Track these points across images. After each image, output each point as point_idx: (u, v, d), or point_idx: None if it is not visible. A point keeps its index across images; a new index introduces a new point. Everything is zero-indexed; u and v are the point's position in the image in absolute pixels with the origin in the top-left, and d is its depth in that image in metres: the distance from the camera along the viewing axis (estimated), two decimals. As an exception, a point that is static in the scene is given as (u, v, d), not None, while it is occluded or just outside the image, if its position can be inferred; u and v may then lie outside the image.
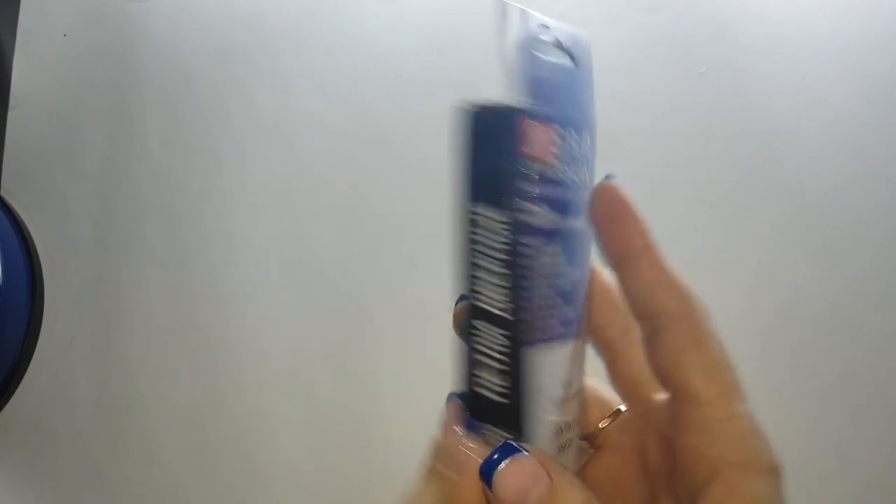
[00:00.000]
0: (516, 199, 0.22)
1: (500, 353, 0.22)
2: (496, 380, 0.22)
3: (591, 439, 0.24)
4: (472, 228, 0.24)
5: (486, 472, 0.20)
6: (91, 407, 0.43)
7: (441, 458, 0.22)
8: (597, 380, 0.25)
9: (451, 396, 0.23)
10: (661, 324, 0.22)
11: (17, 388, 0.43)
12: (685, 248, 0.43)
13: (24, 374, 0.43)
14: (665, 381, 0.21)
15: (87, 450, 0.43)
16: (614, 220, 0.24)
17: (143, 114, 0.48)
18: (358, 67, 0.48)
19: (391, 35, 0.48)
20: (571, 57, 0.25)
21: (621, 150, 0.45)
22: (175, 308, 0.45)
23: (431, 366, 0.39)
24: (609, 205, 0.24)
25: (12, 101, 0.48)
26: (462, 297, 0.24)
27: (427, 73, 0.48)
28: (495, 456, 0.20)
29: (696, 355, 0.21)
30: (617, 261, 0.24)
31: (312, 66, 0.48)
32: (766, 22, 0.47)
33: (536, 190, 0.23)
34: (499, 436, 0.22)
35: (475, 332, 0.22)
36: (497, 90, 0.50)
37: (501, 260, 0.23)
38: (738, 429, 0.19)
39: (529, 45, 0.24)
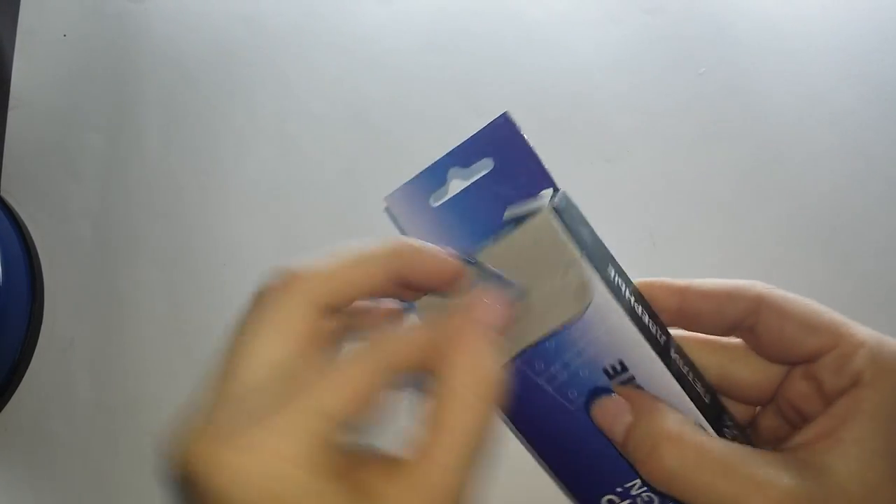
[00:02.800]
0: None
1: None
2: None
3: None
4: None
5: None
6: (91, 407, 0.43)
7: None
8: None
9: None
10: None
11: (17, 388, 0.43)
12: (685, 248, 0.43)
13: (24, 374, 0.43)
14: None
15: (87, 450, 0.43)
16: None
17: (143, 114, 0.48)
18: (358, 67, 0.48)
19: (391, 35, 0.48)
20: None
21: (621, 150, 0.46)
22: (175, 308, 0.45)
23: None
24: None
25: (12, 101, 0.48)
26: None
27: (427, 73, 0.48)
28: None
29: None
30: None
31: (312, 66, 0.48)
32: (766, 22, 0.47)
33: None
34: None
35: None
36: (496, 91, 0.49)
37: None
38: None
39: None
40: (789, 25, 0.47)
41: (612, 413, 0.24)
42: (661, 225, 0.44)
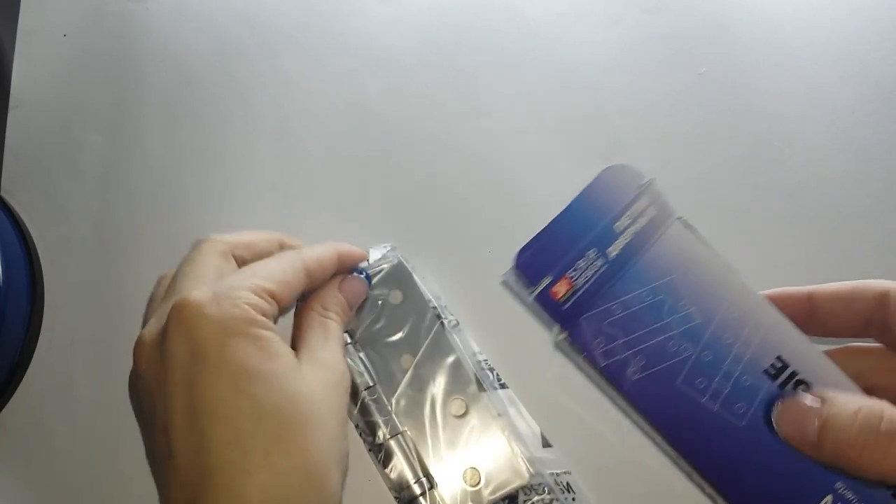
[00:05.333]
0: None
1: None
2: None
3: None
4: None
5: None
6: (91, 407, 0.43)
7: None
8: None
9: None
10: None
11: (17, 388, 0.43)
12: (685, 248, 0.43)
13: (24, 374, 0.43)
14: None
15: (87, 450, 0.43)
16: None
17: (142, 114, 0.48)
18: (358, 67, 0.48)
19: (391, 35, 0.48)
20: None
21: (621, 150, 0.46)
22: (175, 308, 0.45)
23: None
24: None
25: (12, 102, 0.48)
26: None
27: (427, 72, 0.48)
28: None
29: None
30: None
31: (312, 66, 0.48)
32: (766, 22, 0.47)
33: None
34: None
35: None
36: (496, 90, 0.50)
37: None
38: None
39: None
40: (789, 25, 0.47)
41: (799, 416, 0.22)
42: (661, 225, 0.44)
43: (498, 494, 0.37)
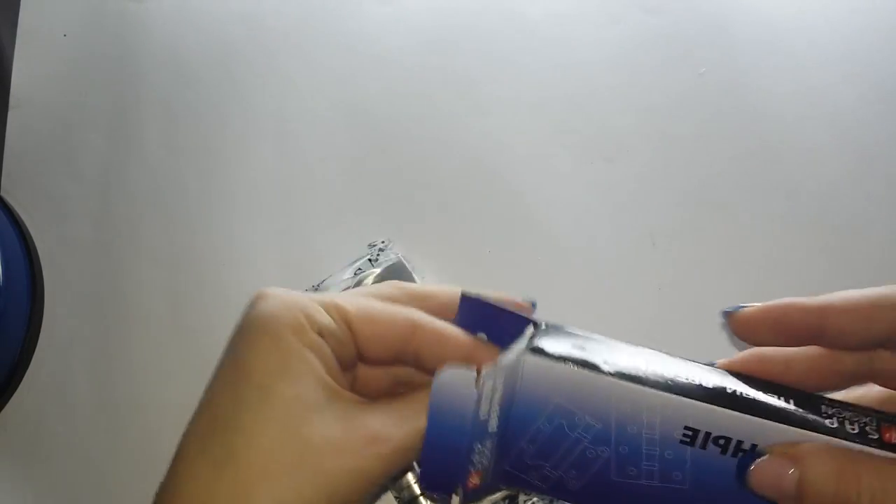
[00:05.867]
0: None
1: None
2: None
3: None
4: None
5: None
6: (91, 407, 0.43)
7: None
8: None
9: None
10: None
11: (17, 388, 0.43)
12: (685, 248, 0.43)
13: (24, 374, 0.43)
14: None
15: (87, 450, 0.43)
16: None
17: (142, 114, 0.48)
18: (358, 67, 0.48)
19: (391, 35, 0.48)
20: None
21: (621, 150, 0.46)
22: (175, 308, 0.45)
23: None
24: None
25: (12, 101, 0.48)
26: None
27: (427, 73, 0.48)
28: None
29: None
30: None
31: (312, 66, 0.48)
32: (766, 22, 0.47)
33: None
34: None
35: None
36: (495, 90, 0.49)
37: None
38: None
39: None
40: (789, 25, 0.47)
41: (774, 472, 0.22)
42: (661, 225, 0.44)
43: (498, 494, 0.37)
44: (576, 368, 0.24)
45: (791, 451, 0.23)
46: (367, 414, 0.24)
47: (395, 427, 0.24)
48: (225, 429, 0.23)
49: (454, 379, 0.25)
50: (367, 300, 0.26)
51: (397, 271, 0.41)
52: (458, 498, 0.25)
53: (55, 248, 0.45)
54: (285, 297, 0.24)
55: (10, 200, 0.46)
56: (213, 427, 0.23)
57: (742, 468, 0.23)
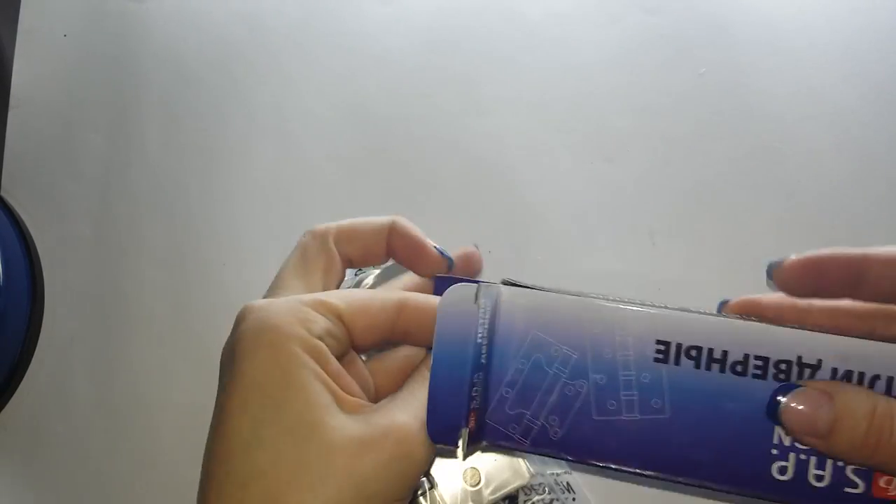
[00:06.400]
0: None
1: None
2: None
3: None
4: None
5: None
6: (91, 407, 0.43)
7: None
8: None
9: None
10: None
11: (17, 388, 0.43)
12: (685, 247, 0.43)
13: (24, 374, 0.43)
14: None
15: (87, 450, 0.43)
16: None
17: (142, 114, 0.48)
18: (358, 67, 0.48)
19: (391, 35, 0.48)
20: None
21: (621, 150, 0.46)
22: (175, 308, 0.45)
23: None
24: None
25: (12, 101, 0.48)
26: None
27: (427, 72, 0.48)
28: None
29: None
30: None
31: (312, 66, 0.48)
32: (766, 22, 0.47)
33: None
34: None
35: None
36: (496, 90, 0.49)
37: None
38: None
39: None
40: (789, 25, 0.47)
41: (811, 405, 0.22)
42: (661, 224, 0.44)
43: (498, 494, 0.36)
44: (548, 293, 0.24)
45: (828, 388, 0.23)
46: (378, 408, 0.24)
47: (407, 413, 0.24)
48: (247, 447, 0.23)
49: (456, 293, 0.24)
50: (350, 292, 0.26)
51: (397, 271, 0.41)
52: (462, 443, 0.24)
53: (55, 248, 0.45)
54: (275, 306, 0.24)
55: (11, 200, 0.46)
56: (232, 448, 0.23)
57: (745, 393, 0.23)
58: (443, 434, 0.24)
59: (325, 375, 0.24)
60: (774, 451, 0.23)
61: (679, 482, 0.24)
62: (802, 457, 0.23)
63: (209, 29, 0.49)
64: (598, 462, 0.24)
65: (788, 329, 0.23)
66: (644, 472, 0.24)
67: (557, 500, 0.37)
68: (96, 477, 0.42)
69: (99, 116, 0.48)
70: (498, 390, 0.24)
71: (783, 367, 0.23)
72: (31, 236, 0.45)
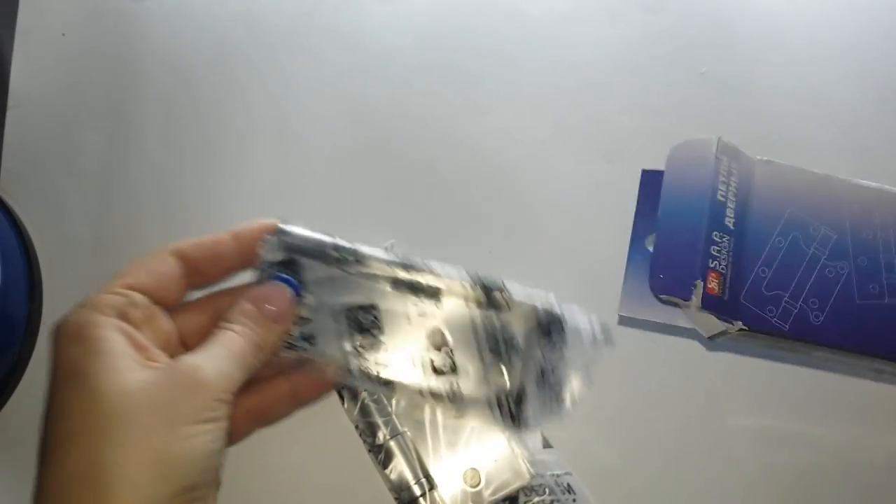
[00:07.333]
0: None
1: None
2: None
3: None
4: None
5: None
6: (90, 407, 0.43)
7: None
8: None
9: None
10: None
11: (16, 388, 0.43)
12: (686, 248, 0.43)
13: (23, 374, 0.43)
14: None
15: (87, 450, 0.42)
16: None
17: (142, 113, 0.48)
18: (358, 67, 0.48)
19: (391, 35, 0.48)
20: None
21: (621, 150, 0.45)
22: (174, 308, 0.45)
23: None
24: None
25: (11, 101, 0.48)
26: None
27: (427, 72, 0.48)
28: None
29: None
30: None
31: (313, 64, 0.48)
32: (766, 22, 0.47)
33: None
34: None
35: None
36: (496, 89, 0.50)
37: None
38: None
39: None
40: (790, 24, 0.47)
41: None
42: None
43: (498, 495, 0.36)
44: (803, 170, 0.23)
45: None
46: (181, 359, 0.27)
47: (196, 357, 0.28)
48: (57, 418, 0.26)
49: (687, 147, 0.23)
50: (135, 262, 0.31)
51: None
52: (692, 307, 0.23)
53: (54, 248, 0.45)
54: (72, 311, 0.29)
55: (9, 200, 0.46)
56: (49, 425, 0.27)
57: None
58: (674, 285, 0.23)
59: (126, 344, 0.27)
60: None
61: None
62: None
63: (209, 28, 0.49)
64: (859, 352, 0.23)
65: None
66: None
67: (558, 501, 0.37)
68: (96, 477, 0.42)
69: (98, 116, 0.48)
70: (753, 269, 0.23)
71: None
72: (29, 236, 0.45)
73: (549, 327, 0.28)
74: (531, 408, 0.33)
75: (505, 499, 0.37)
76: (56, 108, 0.48)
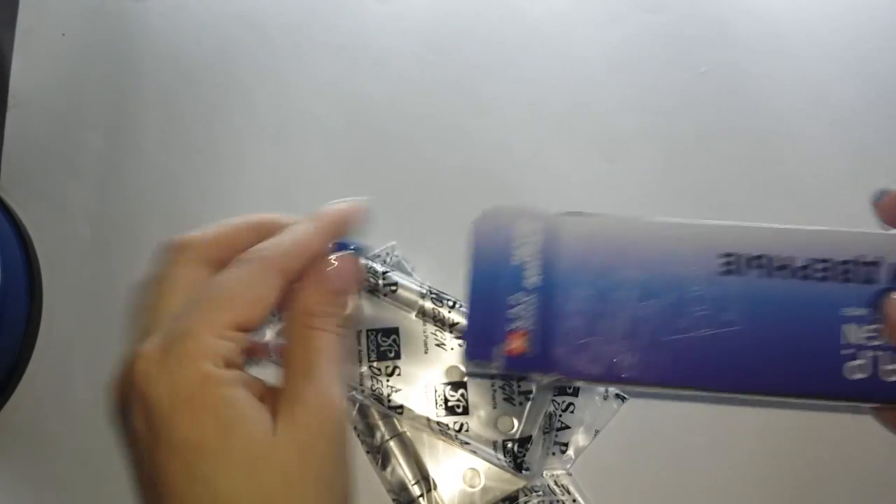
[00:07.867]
0: None
1: None
2: None
3: None
4: None
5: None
6: (91, 407, 0.43)
7: None
8: None
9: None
10: None
11: (16, 388, 0.43)
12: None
13: (23, 374, 0.43)
14: None
15: (86, 450, 0.43)
16: None
17: (142, 113, 0.48)
18: (358, 67, 0.48)
19: (391, 35, 0.48)
20: None
21: (622, 150, 0.45)
22: (174, 308, 0.45)
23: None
24: None
25: (10, 101, 0.48)
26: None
27: (427, 72, 0.48)
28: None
29: None
30: None
31: (312, 65, 0.48)
32: (767, 22, 0.47)
33: None
34: None
35: None
36: (496, 90, 0.49)
37: None
38: None
39: None
40: (791, 24, 0.47)
41: None
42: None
43: (498, 495, 0.36)
44: (607, 217, 0.24)
45: None
46: (292, 399, 0.25)
47: (316, 392, 0.25)
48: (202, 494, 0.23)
49: (494, 216, 0.25)
50: (234, 289, 0.26)
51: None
52: (495, 368, 0.24)
53: (54, 248, 0.45)
54: (173, 357, 0.24)
55: (9, 200, 0.46)
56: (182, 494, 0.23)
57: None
58: (477, 350, 0.24)
59: (251, 397, 0.24)
60: (845, 352, 0.23)
61: (754, 396, 0.24)
62: (874, 354, 0.23)
63: (209, 28, 0.49)
64: (675, 385, 0.24)
65: (845, 231, 0.24)
66: (719, 390, 0.24)
67: (557, 501, 0.37)
68: (96, 477, 0.42)
69: (98, 116, 0.48)
70: (562, 319, 0.24)
71: (847, 267, 0.23)
72: (29, 236, 0.45)
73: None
74: (535, 454, 0.34)
75: (504, 499, 0.37)
76: (56, 108, 0.48)
